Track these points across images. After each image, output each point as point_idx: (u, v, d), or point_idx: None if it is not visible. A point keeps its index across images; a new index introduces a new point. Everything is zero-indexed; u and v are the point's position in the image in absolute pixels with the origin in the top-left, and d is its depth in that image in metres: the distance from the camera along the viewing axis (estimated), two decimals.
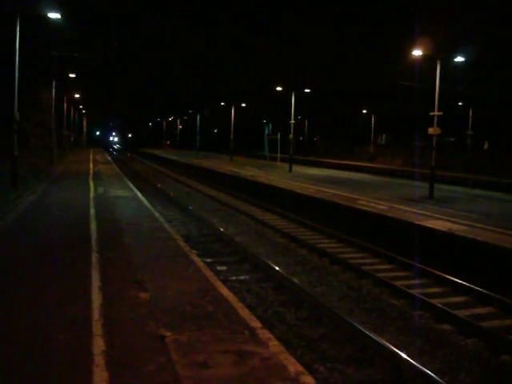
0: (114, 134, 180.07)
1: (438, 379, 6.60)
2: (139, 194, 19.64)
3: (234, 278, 11.16)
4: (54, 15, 21.30)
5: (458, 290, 10.79)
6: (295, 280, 10.79)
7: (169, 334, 5.64)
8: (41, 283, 7.55)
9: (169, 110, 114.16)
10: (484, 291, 10.34)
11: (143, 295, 6.97)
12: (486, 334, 8.28)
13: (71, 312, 6.29)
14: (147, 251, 9.69)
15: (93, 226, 12.19)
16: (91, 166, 37.01)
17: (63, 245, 10.23)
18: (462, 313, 9.22)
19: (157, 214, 14.74)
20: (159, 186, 30.18)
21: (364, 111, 67.82)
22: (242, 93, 74.20)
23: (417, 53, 21.52)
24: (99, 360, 4.95)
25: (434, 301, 9.77)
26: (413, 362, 6.99)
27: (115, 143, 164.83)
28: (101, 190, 20.30)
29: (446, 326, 8.80)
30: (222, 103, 68.78)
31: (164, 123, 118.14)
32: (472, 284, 10.71)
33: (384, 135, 77.96)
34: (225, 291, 7.36)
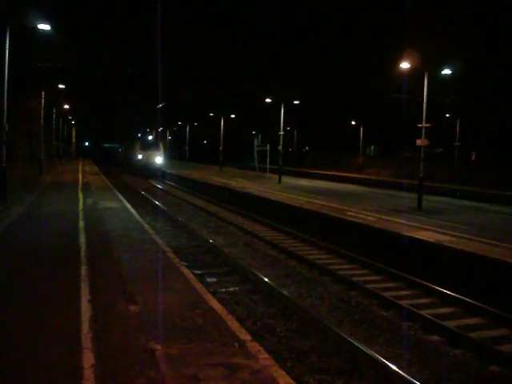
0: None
1: None
2: (128, 206, 19.57)
3: (223, 289, 11.14)
4: (43, 26, 21.27)
5: (446, 300, 10.87)
6: (285, 292, 10.79)
7: (159, 347, 5.63)
8: (29, 296, 7.49)
9: (158, 121, 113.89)
10: (472, 302, 10.43)
11: (133, 308, 6.95)
12: (475, 345, 8.35)
13: (60, 325, 6.25)
14: (137, 263, 9.66)
15: (82, 237, 12.13)
16: (80, 176, 36.84)
17: (52, 257, 10.16)
18: (450, 323, 9.29)
19: (146, 226, 14.70)
20: (148, 197, 30.08)
21: (353, 122, 68.30)
22: (231, 104, 74.52)
23: (404, 66, 21.80)
24: (89, 374, 4.93)
25: (422, 312, 9.83)
26: (402, 373, 7.02)
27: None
28: (90, 201, 20.21)
29: (435, 337, 8.85)
30: (211, 114, 68.88)
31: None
32: (460, 294, 10.80)
33: (372, 146, 78.64)
34: (214, 303, 7.35)
